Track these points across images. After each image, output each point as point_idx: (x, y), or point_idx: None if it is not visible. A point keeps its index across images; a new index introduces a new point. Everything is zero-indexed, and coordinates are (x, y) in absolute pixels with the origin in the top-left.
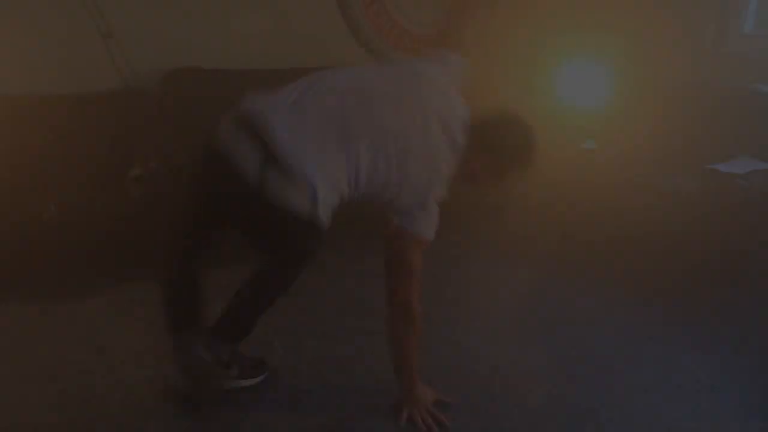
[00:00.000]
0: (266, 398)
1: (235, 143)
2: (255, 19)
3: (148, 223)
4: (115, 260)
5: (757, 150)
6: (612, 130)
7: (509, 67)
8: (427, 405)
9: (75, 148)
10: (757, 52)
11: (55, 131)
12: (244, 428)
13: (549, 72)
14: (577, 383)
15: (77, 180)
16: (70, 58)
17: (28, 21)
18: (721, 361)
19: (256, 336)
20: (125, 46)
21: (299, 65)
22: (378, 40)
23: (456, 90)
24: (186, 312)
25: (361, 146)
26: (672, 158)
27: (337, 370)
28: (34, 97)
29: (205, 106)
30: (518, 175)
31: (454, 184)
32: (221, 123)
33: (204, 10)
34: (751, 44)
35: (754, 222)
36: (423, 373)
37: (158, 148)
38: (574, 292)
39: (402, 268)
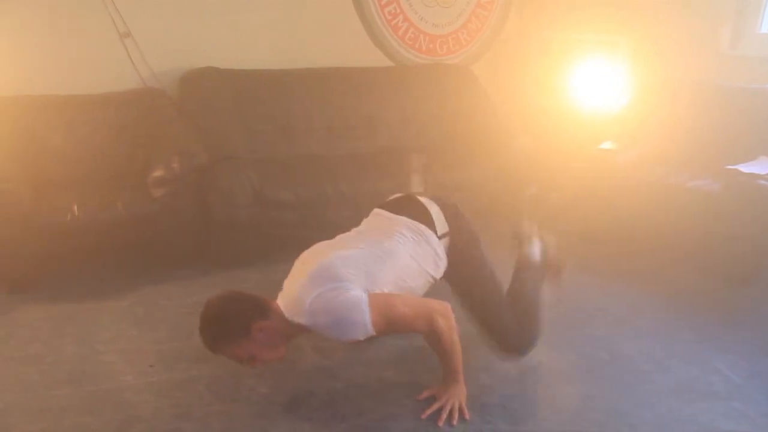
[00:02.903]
0: (299, 401)
1: None
2: (271, 19)
3: (170, 224)
4: (138, 262)
5: None
6: (630, 131)
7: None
8: (462, 399)
9: (95, 148)
10: None
11: (74, 132)
12: (277, 430)
13: (566, 74)
14: (608, 384)
15: (99, 181)
16: (89, 57)
17: (48, 21)
18: (751, 362)
19: None
20: (143, 47)
21: (315, 65)
22: (394, 40)
23: None
24: None
25: None
26: (692, 159)
27: (368, 371)
28: (53, 97)
29: (222, 107)
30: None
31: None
32: None
33: (220, 10)
34: None
35: None
36: None
37: (180, 148)
38: (598, 293)
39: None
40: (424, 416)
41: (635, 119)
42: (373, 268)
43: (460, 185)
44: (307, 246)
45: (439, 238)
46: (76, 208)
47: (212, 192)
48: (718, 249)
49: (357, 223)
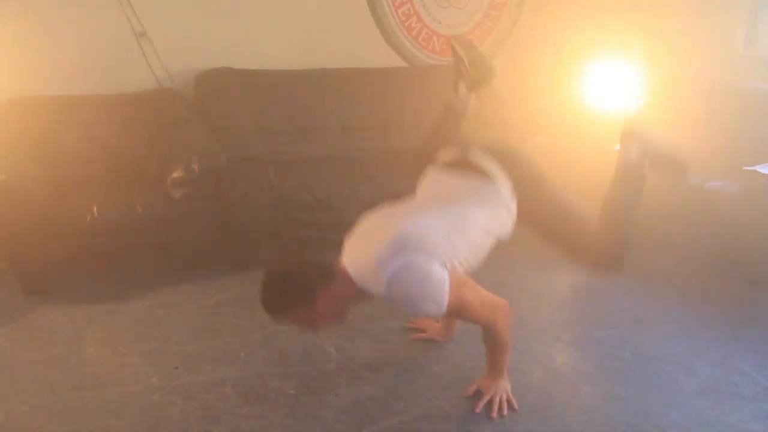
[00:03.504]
0: (327, 402)
1: None
2: (285, 20)
3: (189, 225)
4: (156, 263)
5: None
6: None
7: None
8: (508, 391)
9: (110, 149)
10: None
11: (90, 132)
12: None
13: (579, 75)
14: (633, 385)
15: (116, 182)
16: (104, 57)
17: (64, 21)
18: None
19: (309, 340)
20: (158, 47)
21: (329, 66)
22: (408, 41)
23: None
24: None
25: None
26: (709, 160)
27: (395, 372)
28: (68, 98)
29: (237, 107)
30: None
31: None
32: None
33: (235, 11)
34: None
35: None
36: (480, 371)
37: (199, 149)
38: (620, 293)
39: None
40: (477, 410)
41: (650, 120)
42: (451, 240)
43: None
44: (324, 247)
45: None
46: (95, 209)
47: (231, 193)
48: (736, 250)
49: None
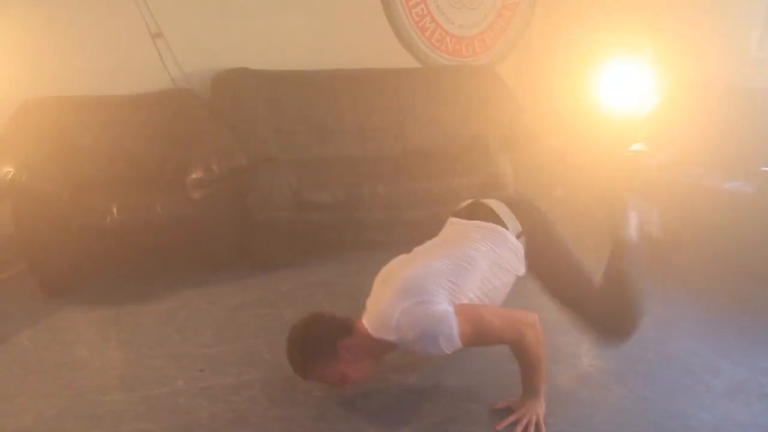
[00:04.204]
0: (357, 405)
1: None
2: (300, 20)
3: (209, 226)
4: (175, 264)
5: None
6: (660, 133)
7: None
8: (540, 414)
9: (128, 149)
10: None
11: (107, 132)
12: None
13: (592, 76)
14: (660, 385)
15: (135, 183)
16: (120, 58)
17: (80, 22)
18: None
19: None
20: (174, 47)
21: (344, 66)
22: (421, 41)
23: None
24: None
25: None
26: (725, 161)
27: (421, 374)
28: (84, 98)
29: (254, 107)
30: None
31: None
32: None
33: (251, 12)
34: None
35: None
36: (506, 376)
37: (218, 149)
38: None
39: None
40: (499, 427)
41: (665, 121)
42: (456, 278)
43: None
44: (343, 248)
45: (516, 237)
46: (115, 209)
47: (251, 193)
48: (755, 250)
49: (393, 226)
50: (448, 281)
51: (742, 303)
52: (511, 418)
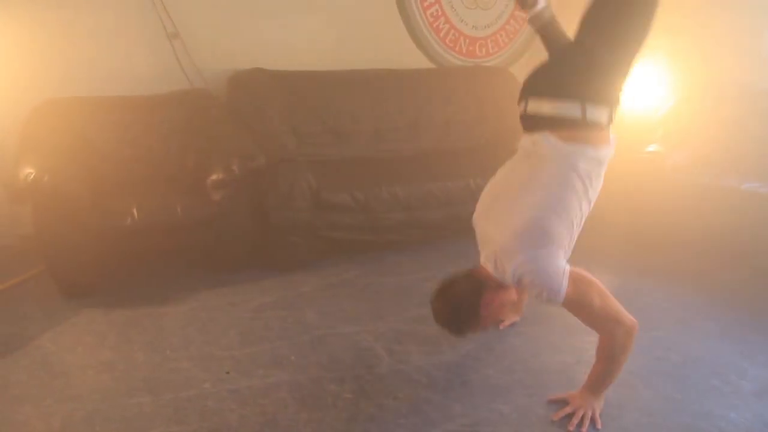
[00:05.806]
0: (386, 407)
1: None
2: (315, 21)
3: (228, 227)
4: (195, 265)
5: None
6: (675, 134)
7: None
8: (596, 409)
9: (145, 150)
10: None
11: (125, 133)
12: None
13: None
14: (686, 386)
15: (154, 183)
16: (136, 58)
17: (97, 23)
18: None
19: (357, 343)
20: (190, 48)
21: (358, 66)
22: (435, 42)
23: None
24: None
25: None
26: (740, 162)
27: (449, 375)
28: (101, 98)
29: (271, 108)
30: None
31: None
32: None
33: (267, 12)
34: None
35: None
36: (531, 374)
37: (238, 150)
38: (658, 295)
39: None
40: (555, 417)
41: (681, 122)
42: (564, 225)
43: None
44: (361, 249)
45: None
46: (135, 210)
47: (271, 194)
48: None
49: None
50: (565, 230)
51: (762, 303)
52: (567, 410)
